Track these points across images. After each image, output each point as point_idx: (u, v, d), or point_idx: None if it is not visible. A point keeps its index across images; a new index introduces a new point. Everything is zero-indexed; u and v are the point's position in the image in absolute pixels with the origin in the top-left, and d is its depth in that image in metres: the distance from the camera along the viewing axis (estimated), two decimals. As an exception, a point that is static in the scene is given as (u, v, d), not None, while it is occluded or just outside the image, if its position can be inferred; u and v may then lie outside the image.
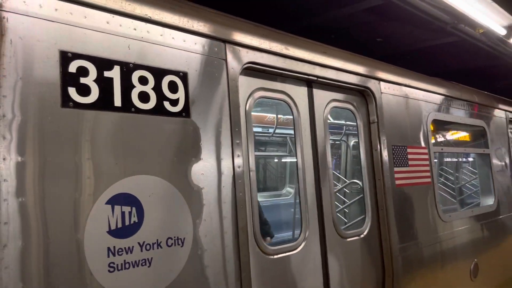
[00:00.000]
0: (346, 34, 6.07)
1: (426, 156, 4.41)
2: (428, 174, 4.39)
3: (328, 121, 3.53)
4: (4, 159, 1.73)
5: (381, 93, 3.95)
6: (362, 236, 3.62)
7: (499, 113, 6.23)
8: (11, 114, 1.77)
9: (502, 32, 4.26)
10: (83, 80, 1.99)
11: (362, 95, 3.88)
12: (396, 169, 3.96)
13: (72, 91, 1.95)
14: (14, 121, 1.77)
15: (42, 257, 1.80)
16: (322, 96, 3.48)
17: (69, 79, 1.95)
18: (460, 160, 8.88)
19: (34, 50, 1.86)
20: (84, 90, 1.99)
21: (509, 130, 6.45)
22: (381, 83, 3.97)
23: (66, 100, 1.93)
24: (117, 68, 2.12)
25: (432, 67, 6.61)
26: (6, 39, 1.78)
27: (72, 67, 1.96)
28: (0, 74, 1.75)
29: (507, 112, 6.49)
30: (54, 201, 1.86)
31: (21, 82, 1.81)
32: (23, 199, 1.76)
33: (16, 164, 1.76)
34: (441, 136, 5.02)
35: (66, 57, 1.95)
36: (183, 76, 2.41)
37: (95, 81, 2.03)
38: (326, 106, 3.51)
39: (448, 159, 8.86)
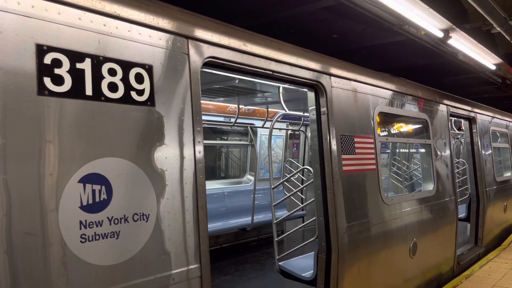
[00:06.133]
0: (305, 30, 6.42)
1: (372, 145, 4.86)
2: (373, 161, 4.85)
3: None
4: None
5: (332, 87, 4.33)
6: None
7: (441, 107, 6.82)
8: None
9: (440, 34, 4.73)
10: (57, 71, 2.21)
11: (315, 89, 4.25)
12: (343, 156, 4.37)
13: (47, 81, 2.17)
14: None
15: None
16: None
17: (44, 69, 2.16)
18: (411, 150, 9.56)
19: (13, 42, 2.06)
20: (58, 80, 2.21)
21: (449, 123, 7.08)
22: (332, 78, 4.35)
23: (42, 89, 2.15)
24: (88, 60, 2.35)
25: (383, 63, 7.11)
26: (-14, 32, 1.97)
27: (47, 59, 2.18)
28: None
29: (448, 106, 7.10)
30: (31, 179, 2.08)
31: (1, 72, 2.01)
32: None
33: (-3, 145, 1.98)
34: (387, 127, 5.49)
35: (41, 50, 2.16)
36: (149, 69, 2.66)
37: (68, 72, 2.25)
38: None
39: (402, 150, 9.53)
